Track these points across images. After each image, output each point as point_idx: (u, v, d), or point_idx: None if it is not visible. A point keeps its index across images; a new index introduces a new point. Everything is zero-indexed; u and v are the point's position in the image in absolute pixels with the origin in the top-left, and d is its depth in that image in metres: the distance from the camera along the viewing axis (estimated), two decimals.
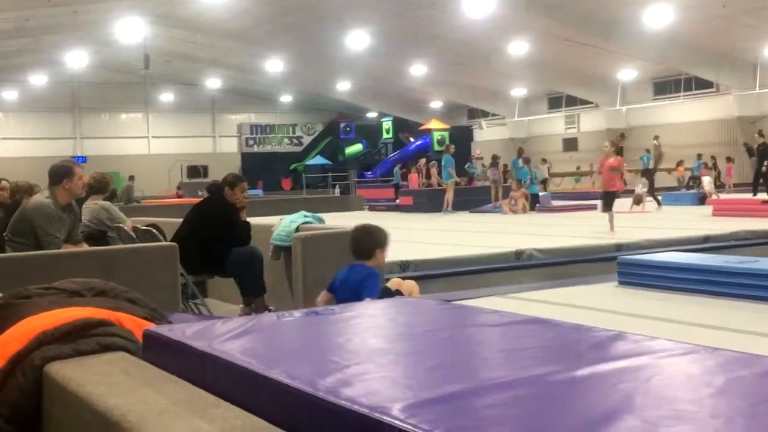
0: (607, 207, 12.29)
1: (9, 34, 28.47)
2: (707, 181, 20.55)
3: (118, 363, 2.05)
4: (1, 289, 3.41)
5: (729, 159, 26.51)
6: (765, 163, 20.40)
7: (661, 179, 28.24)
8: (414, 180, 26.83)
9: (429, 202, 20.66)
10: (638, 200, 18.02)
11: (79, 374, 1.94)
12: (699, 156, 26.68)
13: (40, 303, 2.44)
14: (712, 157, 26.83)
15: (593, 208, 18.72)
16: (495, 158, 23.04)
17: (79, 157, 38.39)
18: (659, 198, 18.58)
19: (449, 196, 19.59)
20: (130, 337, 2.27)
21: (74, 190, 6.03)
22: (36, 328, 2.22)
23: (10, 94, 38.38)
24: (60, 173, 5.94)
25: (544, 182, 20.81)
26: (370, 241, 4.93)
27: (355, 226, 5.15)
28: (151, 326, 2.33)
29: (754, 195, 18.54)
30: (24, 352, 2.15)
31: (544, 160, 30.88)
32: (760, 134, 20.60)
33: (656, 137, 28.87)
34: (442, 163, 20.50)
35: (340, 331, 2.21)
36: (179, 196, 31.42)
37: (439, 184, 22.55)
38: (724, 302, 5.86)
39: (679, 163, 25.51)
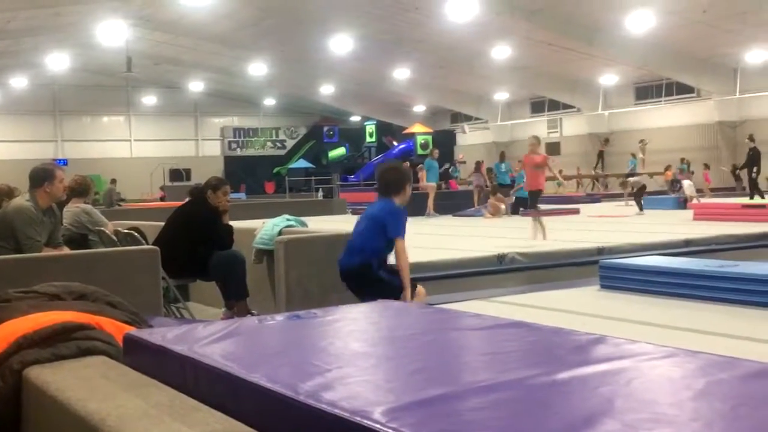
0: (533, 208, 11.42)
1: None
2: (687, 185, 20.67)
3: (98, 367, 2.04)
4: None
5: (706, 166, 26.68)
6: (755, 168, 20.43)
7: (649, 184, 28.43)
8: None
9: (411, 205, 20.65)
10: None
11: (59, 378, 1.93)
12: (682, 160, 26.83)
13: (19, 307, 2.43)
14: (685, 161, 26.99)
15: (576, 212, 18.80)
16: (478, 164, 23.21)
17: (60, 160, 38.13)
18: (641, 203, 18.61)
19: (432, 198, 19.54)
20: (110, 341, 2.26)
21: (55, 193, 5.98)
22: (15, 332, 2.20)
23: None
24: (40, 176, 5.89)
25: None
26: (399, 176, 5.18)
27: (380, 166, 5.45)
28: (132, 330, 2.32)
29: (761, 197, 18.55)
30: (3, 356, 2.13)
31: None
32: (751, 139, 20.62)
33: (642, 141, 29.07)
34: (425, 168, 20.56)
35: (322, 335, 2.20)
36: (162, 198, 31.25)
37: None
38: (705, 306, 5.90)
39: (667, 168, 25.62)
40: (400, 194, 5.11)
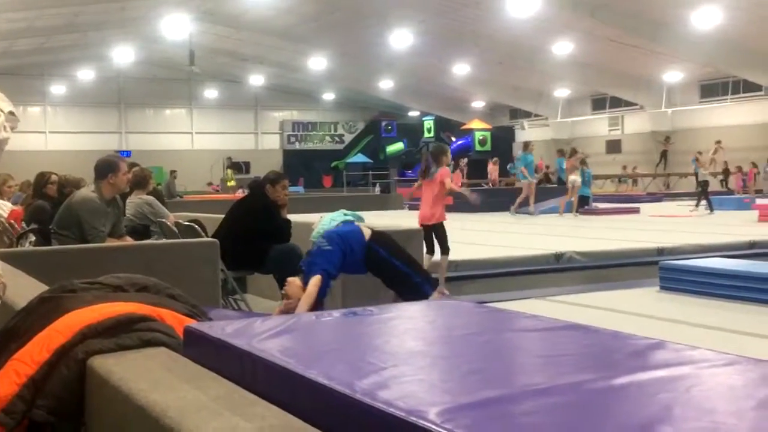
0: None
1: (59, 30, 28.97)
2: None
3: (159, 358, 2.09)
4: (46, 280, 3.48)
5: (754, 165, 25.96)
6: None
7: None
8: (457, 180, 26.81)
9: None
10: None
11: (121, 369, 1.98)
12: None
13: (84, 297, 2.49)
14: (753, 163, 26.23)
15: (636, 211, 18.51)
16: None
17: (124, 151, 38.92)
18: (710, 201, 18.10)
19: (523, 196, 18.26)
20: (171, 333, 2.30)
21: (119, 184, 6.12)
22: (80, 322, 2.26)
23: (58, 89, 39.00)
24: (105, 168, 6.03)
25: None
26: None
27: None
28: (192, 323, 2.36)
29: None
30: (68, 345, 2.19)
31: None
32: None
33: (718, 142, 28.34)
34: (521, 163, 18.91)
35: (377, 332, 2.21)
36: (216, 191, 31.72)
37: (508, 184, 21.59)
38: None
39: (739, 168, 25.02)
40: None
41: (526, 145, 19.18)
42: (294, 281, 4.87)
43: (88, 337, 2.19)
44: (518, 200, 18.36)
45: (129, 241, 6.22)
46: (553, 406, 1.46)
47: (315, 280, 4.81)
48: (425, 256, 7.51)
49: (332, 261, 4.94)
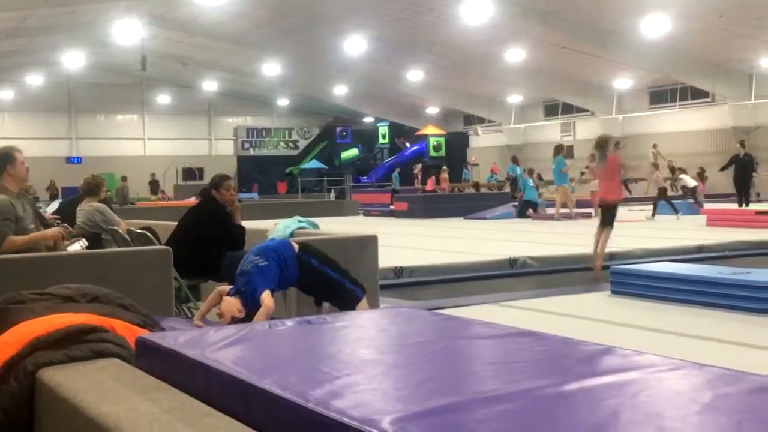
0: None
1: (6, 34, 28.42)
2: None
3: (110, 370, 2.07)
4: None
5: (702, 169, 26.50)
6: (753, 174, 20.31)
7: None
8: (431, 185, 27.00)
9: (423, 208, 20.65)
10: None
11: (72, 380, 1.95)
12: None
13: (34, 308, 2.45)
14: (702, 168, 26.79)
15: (588, 216, 18.74)
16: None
17: (74, 157, 38.38)
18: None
19: (560, 202, 17.95)
20: (123, 343, 2.28)
21: (19, 174, 5.79)
22: (30, 333, 2.23)
23: (7, 94, 38.29)
24: (1, 161, 5.73)
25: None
26: None
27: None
28: (145, 333, 2.34)
29: (740, 206, 18.42)
30: (17, 357, 2.16)
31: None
32: (742, 145, 20.39)
33: (654, 146, 28.89)
34: (553, 166, 18.28)
35: (331, 341, 2.22)
36: (164, 198, 31.44)
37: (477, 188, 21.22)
38: (717, 313, 5.89)
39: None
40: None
41: (559, 149, 18.35)
42: (229, 300, 4.85)
43: (38, 349, 2.17)
44: (557, 207, 17.98)
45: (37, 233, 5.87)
46: (505, 413, 1.48)
47: (267, 294, 4.81)
48: (597, 229, 9.18)
49: (271, 276, 4.95)
